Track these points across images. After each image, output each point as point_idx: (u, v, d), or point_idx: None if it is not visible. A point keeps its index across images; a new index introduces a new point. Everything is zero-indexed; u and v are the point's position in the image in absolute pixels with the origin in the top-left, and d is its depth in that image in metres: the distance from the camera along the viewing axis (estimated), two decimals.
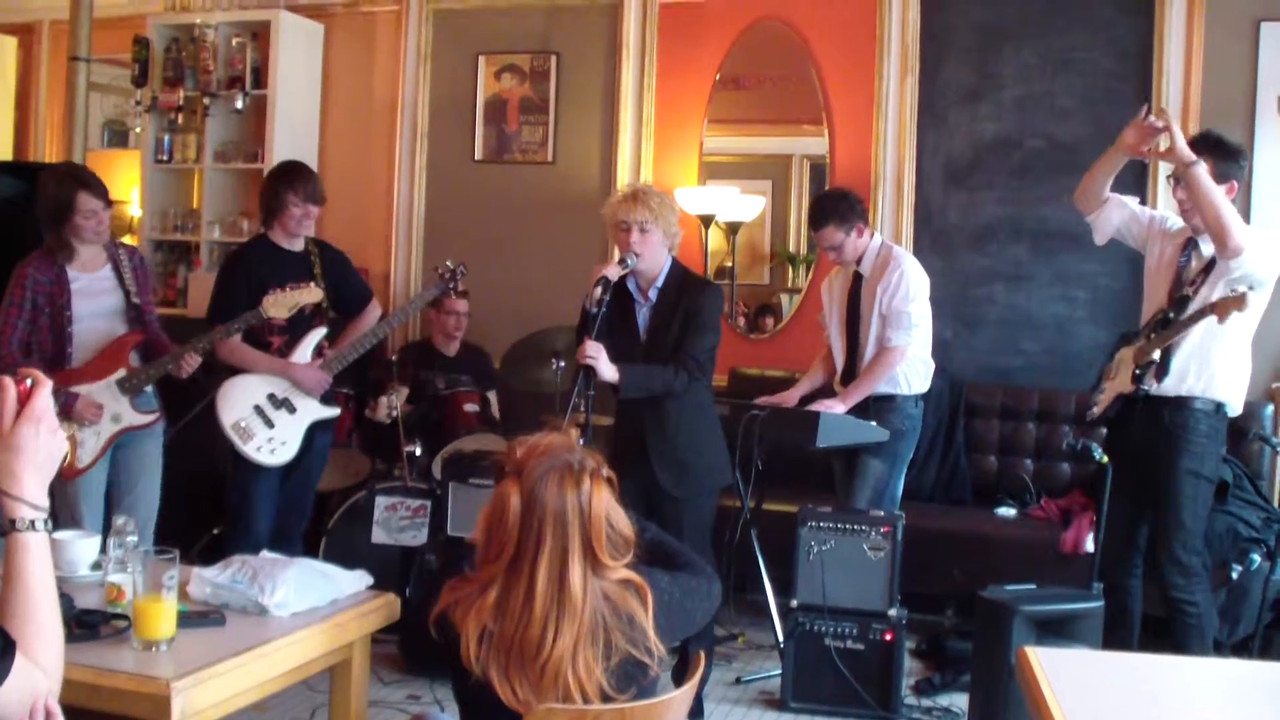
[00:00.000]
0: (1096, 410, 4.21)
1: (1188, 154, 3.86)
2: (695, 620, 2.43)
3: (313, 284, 4.37)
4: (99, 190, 4.26)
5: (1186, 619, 4.00)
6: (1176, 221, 4.19)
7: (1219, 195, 3.83)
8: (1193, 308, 3.93)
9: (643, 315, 4.16)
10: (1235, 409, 4.07)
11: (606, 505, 2.18)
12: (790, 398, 4.82)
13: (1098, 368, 4.41)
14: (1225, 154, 4.01)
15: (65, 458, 4.04)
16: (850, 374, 4.78)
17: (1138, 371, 4.02)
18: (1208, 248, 3.98)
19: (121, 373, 4.24)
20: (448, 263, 4.82)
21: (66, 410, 4.06)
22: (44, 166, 6.67)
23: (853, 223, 4.70)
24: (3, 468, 1.64)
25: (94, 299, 4.27)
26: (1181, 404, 3.99)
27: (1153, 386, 3.99)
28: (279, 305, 4.28)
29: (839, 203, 4.74)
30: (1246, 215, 5.27)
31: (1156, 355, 3.98)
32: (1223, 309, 3.75)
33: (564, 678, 2.10)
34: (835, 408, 4.55)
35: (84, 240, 4.25)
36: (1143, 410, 4.06)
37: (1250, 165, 5.30)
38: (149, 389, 4.34)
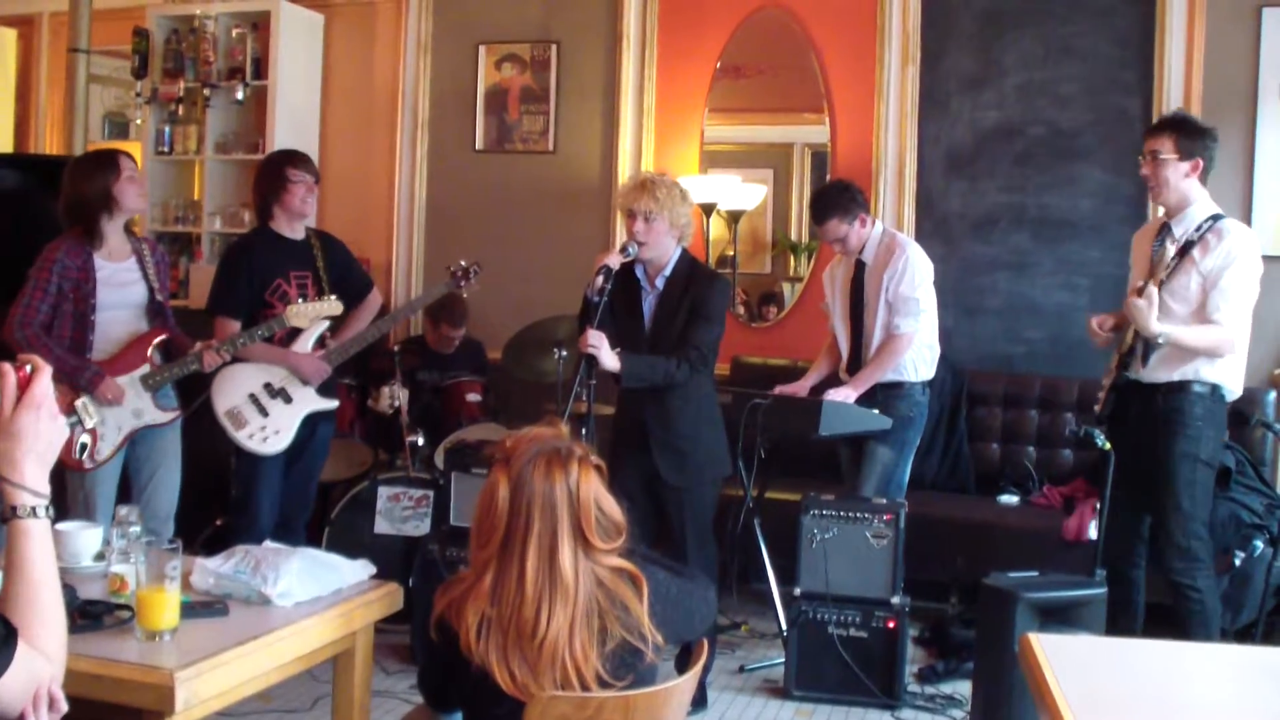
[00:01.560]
0: (1098, 408, 4.22)
1: (1153, 329, 3.83)
2: (694, 623, 2.43)
3: (334, 297, 4.38)
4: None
5: (1189, 604, 3.99)
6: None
7: (1197, 339, 3.88)
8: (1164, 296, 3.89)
9: (649, 304, 4.17)
10: (1233, 392, 4.04)
11: (595, 490, 2.20)
12: (801, 388, 4.81)
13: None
14: (1189, 132, 4.00)
15: (85, 448, 4.05)
16: (855, 362, 4.78)
17: (1125, 360, 4.05)
18: (1180, 229, 3.99)
19: (145, 369, 4.23)
20: (461, 262, 4.70)
21: (91, 386, 4.07)
22: (45, 159, 6.68)
23: (855, 214, 4.70)
24: (3, 455, 1.62)
25: (119, 289, 4.25)
26: (1175, 388, 3.98)
27: (1138, 373, 4.00)
28: (301, 316, 4.30)
29: (840, 195, 4.74)
30: (1248, 201, 5.28)
31: (1130, 340, 4.00)
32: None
33: (561, 659, 2.11)
34: (847, 396, 4.56)
35: (127, 209, 4.27)
36: (1138, 398, 4.05)
37: (1252, 151, 5.33)
38: (169, 385, 4.34)
